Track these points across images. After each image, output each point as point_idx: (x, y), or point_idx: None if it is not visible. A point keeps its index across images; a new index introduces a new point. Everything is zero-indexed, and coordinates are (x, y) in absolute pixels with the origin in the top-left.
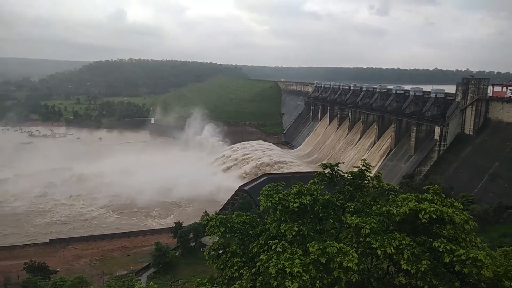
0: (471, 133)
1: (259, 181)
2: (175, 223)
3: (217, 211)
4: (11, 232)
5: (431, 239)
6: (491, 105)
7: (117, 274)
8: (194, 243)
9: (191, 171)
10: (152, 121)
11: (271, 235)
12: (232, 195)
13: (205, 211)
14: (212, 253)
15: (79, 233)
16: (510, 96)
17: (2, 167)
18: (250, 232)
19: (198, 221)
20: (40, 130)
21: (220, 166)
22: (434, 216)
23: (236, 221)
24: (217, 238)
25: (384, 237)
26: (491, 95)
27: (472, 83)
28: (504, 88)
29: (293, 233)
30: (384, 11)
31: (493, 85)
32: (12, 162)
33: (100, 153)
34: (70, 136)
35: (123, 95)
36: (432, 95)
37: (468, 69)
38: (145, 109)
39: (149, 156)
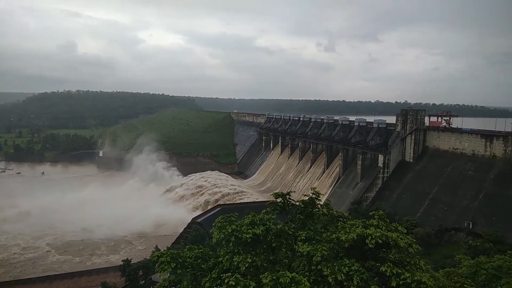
0: (411, 160)
1: (212, 212)
2: (123, 260)
3: (169, 246)
4: None
5: (379, 264)
6: (428, 134)
7: None
8: (144, 281)
9: (141, 205)
10: (100, 154)
11: (224, 268)
12: (185, 228)
13: (156, 246)
14: None
15: (15, 276)
16: (445, 126)
17: None
18: (203, 266)
19: (148, 258)
20: None
21: (173, 199)
22: (380, 241)
23: (188, 255)
24: (168, 274)
25: (335, 264)
26: (428, 125)
27: (410, 114)
28: (439, 118)
29: (247, 265)
30: (330, 47)
31: (429, 116)
32: None
33: (42, 188)
34: (10, 171)
35: (69, 127)
36: (375, 125)
37: (406, 101)
38: (93, 141)
39: (96, 191)
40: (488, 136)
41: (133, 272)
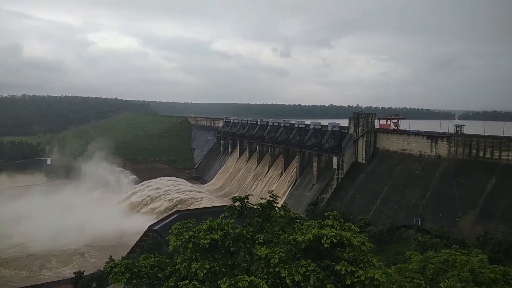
0: (363, 162)
1: (170, 219)
2: (75, 272)
3: (124, 256)
4: None
5: (334, 263)
6: (379, 136)
7: None
8: None
9: (95, 214)
10: (49, 162)
11: (182, 275)
12: (141, 236)
13: (110, 257)
14: None
15: None
16: (394, 128)
17: None
18: (159, 275)
19: (102, 269)
20: None
21: (128, 206)
22: (334, 241)
23: (144, 264)
24: (123, 285)
25: (292, 265)
26: (378, 127)
27: (361, 117)
28: (388, 121)
29: (205, 271)
30: (286, 53)
31: (379, 119)
32: None
33: None
34: None
35: (14, 134)
36: (329, 128)
37: (358, 104)
38: (40, 148)
39: (44, 200)
40: (433, 137)
41: (86, 285)
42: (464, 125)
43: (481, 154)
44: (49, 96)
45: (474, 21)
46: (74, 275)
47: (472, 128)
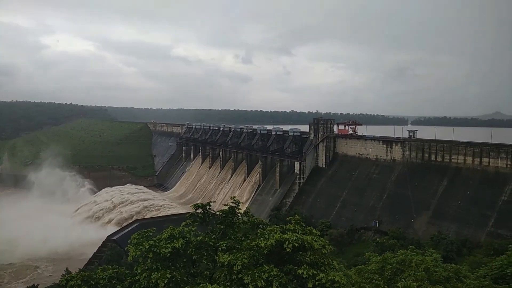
0: (324, 166)
1: (129, 228)
2: (28, 287)
3: (81, 268)
4: None
5: (296, 267)
6: (338, 141)
7: None
8: None
9: (48, 225)
10: None
11: (142, 286)
12: (99, 247)
13: (66, 269)
14: None
15: None
16: (351, 133)
17: None
18: (118, 287)
19: (57, 282)
20: None
21: (85, 216)
22: (296, 245)
23: (102, 276)
24: None
25: (255, 271)
26: (337, 133)
27: (321, 123)
28: (346, 126)
29: (166, 281)
30: (248, 59)
31: (337, 124)
32: None
33: None
34: None
35: None
36: (290, 134)
37: (317, 110)
38: None
39: None
40: (388, 142)
41: None
42: (417, 130)
43: (433, 157)
44: None
45: (426, 31)
46: None
47: (424, 133)
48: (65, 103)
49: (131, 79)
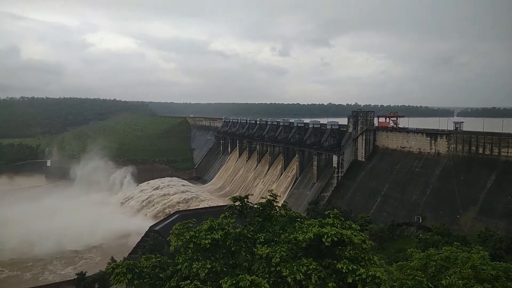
0: (363, 160)
1: (170, 219)
2: (77, 274)
3: (125, 256)
4: None
5: (335, 261)
6: (378, 134)
7: None
8: None
9: (96, 215)
10: (48, 164)
11: (183, 275)
12: (142, 236)
13: (112, 257)
14: None
15: None
16: (393, 126)
17: None
18: (161, 275)
19: (104, 270)
20: None
21: (129, 207)
22: (335, 239)
23: (145, 265)
24: (125, 286)
25: (293, 264)
26: (377, 125)
27: (360, 115)
28: (387, 119)
29: (206, 271)
30: (285, 52)
31: (378, 117)
32: None
33: None
34: None
35: (13, 137)
36: (328, 127)
37: (356, 103)
38: (40, 150)
39: (45, 202)
40: (432, 134)
41: (88, 285)
42: (463, 122)
43: (480, 150)
44: (48, 98)
45: (473, 18)
46: (76, 276)
47: (471, 125)
48: (109, 99)
49: (170, 74)
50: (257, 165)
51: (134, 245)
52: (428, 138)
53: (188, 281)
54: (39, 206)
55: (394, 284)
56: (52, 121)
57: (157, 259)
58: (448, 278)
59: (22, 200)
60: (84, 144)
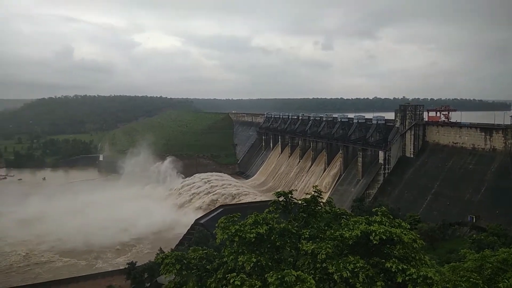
0: (412, 156)
1: (215, 213)
2: (128, 263)
3: (173, 248)
4: None
5: (384, 260)
6: (428, 129)
7: None
8: (149, 284)
9: (144, 208)
10: (101, 158)
11: (229, 268)
12: (188, 229)
13: (160, 248)
14: None
15: (22, 281)
16: (444, 120)
17: None
18: (208, 267)
19: (153, 260)
20: None
21: (175, 201)
22: (384, 237)
23: (193, 256)
24: (173, 276)
25: (340, 261)
26: (427, 120)
27: (409, 110)
28: (438, 113)
29: (251, 265)
30: (328, 46)
31: (427, 111)
32: None
33: (45, 194)
34: (11, 177)
35: (68, 133)
36: (374, 122)
37: (404, 97)
38: (93, 146)
39: (98, 195)
40: (487, 129)
41: (138, 275)
42: None
43: None
44: (99, 96)
45: None
46: (127, 266)
47: None
48: (156, 96)
49: (213, 71)
50: (299, 161)
51: (181, 237)
52: (483, 133)
53: (234, 274)
54: (93, 198)
55: (447, 285)
56: (103, 118)
57: (204, 251)
58: (506, 281)
59: (77, 193)
60: (133, 140)
